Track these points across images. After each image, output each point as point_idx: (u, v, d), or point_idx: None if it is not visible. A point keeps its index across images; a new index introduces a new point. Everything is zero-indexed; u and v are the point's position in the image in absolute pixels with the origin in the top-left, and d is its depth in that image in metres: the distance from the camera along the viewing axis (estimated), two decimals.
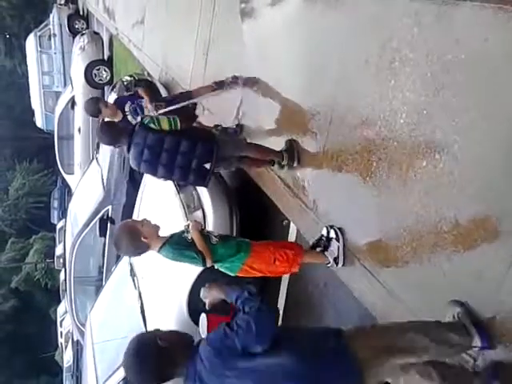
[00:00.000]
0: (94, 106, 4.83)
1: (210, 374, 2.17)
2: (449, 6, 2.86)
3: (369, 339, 2.37)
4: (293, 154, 4.36)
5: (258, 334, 2.14)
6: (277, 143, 4.56)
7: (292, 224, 4.81)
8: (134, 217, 6.61)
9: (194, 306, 5.33)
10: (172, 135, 4.00)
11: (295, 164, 4.36)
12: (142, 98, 5.11)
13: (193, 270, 5.20)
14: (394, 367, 2.36)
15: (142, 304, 5.83)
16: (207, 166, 4.03)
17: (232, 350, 2.15)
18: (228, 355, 2.16)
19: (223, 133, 4.98)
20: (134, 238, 3.33)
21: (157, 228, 3.49)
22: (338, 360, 2.23)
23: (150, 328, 5.59)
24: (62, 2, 19.48)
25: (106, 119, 4.90)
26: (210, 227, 5.25)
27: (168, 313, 5.49)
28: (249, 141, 4.81)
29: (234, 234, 5.28)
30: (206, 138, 4.17)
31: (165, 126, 4.01)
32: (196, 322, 5.44)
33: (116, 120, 4.91)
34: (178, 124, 4.02)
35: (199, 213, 5.36)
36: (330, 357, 2.23)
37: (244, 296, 2.33)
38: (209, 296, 2.84)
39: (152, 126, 4.01)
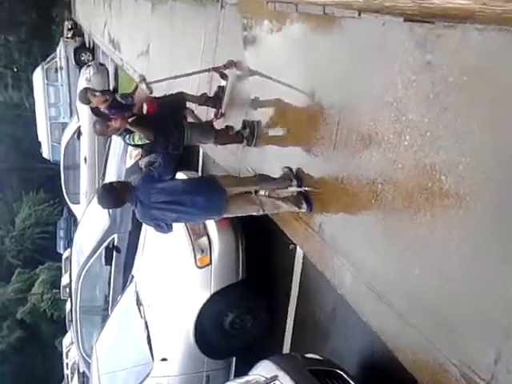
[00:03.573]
0: (85, 96, 5.20)
1: (142, 193, 4.09)
2: (449, 29, 2.90)
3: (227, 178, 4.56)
4: (252, 132, 5.19)
5: (166, 168, 4.17)
6: (279, 166, 4.57)
7: (298, 248, 4.78)
8: (140, 246, 6.61)
9: (201, 334, 5.28)
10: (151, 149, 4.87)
11: (254, 142, 5.19)
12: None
13: (199, 299, 5.17)
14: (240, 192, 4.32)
15: (148, 333, 5.77)
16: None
17: (153, 178, 4.16)
18: (151, 181, 4.15)
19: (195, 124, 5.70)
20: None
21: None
22: (211, 183, 4.26)
23: (157, 357, 5.53)
24: (69, 36, 19.86)
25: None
26: (215, 253, 5.24)
27: (175, 341, 5.43)
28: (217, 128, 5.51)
29: (240, 260, 5.27)
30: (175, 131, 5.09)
31: (137, 140, 5.07)
32: (203, 350, 5.38)
33: (106, 104, 5.09)
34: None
35: (205, 239, 5.35)
36: (207, 181, 4.46)
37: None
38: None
39: (128, 141, 5.17)
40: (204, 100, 5.95)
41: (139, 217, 4.26)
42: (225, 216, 4.46)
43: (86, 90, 5.31)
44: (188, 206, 4.11)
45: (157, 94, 5.53)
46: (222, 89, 5.85)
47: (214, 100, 5.91)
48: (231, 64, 5.65)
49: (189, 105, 5.87)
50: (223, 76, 5.78)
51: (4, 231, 31.39)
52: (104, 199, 4.17)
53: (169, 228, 4.31)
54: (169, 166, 4.26)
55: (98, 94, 5.12)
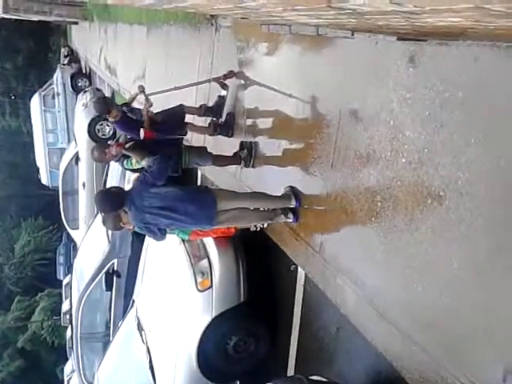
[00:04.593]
0: (103, 106, 5.33)
1: (136, 196, 4.19)
2: (443, 47, 2.92)
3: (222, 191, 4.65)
4: (250, 153, 5.26)
5: (159, 175, 4.27)
6: (278, 187, 4.57)
7: (300, 269, 4.75)
8: (140, 270, 6.57)
9: (204, 359, 5.21)
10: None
11: (252, 162, 5.25)
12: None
13: (201, 323, 5.11)
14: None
15: (150, 359, 5.70)
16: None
17: (148, 182, 4.27)
18: (145, 185, 4.27)
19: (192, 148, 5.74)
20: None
21: None
22: (204, 193, 4.44)
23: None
24: (66, 62, 20.05)
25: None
26: (216, 276, 5.19)
27: (177, 367, 5.35)
28: (214, 153, 5.57)
29: (242, 282, 5.22)
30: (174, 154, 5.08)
31: (134, 164, 5.08)
32: (206, 374, 5.30)
33: (117, 119, 5.26)
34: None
35: (205, 262, 5.31)
36: (201, 190, 4.69)
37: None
38: None
39: (126, 166, 5.20)
40: (204, 111, 5.98)
41: (132, 219, 4.28)
42: (216, 227, 4.59)
43: (104, 98, 5.40)
44: (180, 213, 4.19)
45: (156, 107, 5.55)
46: (222, 98, 5.88)
47: (215, 110, 5.93)
48: (231, 74, 5.69)
49: (189, 118, 5.91)
50: (224, 86, 5.82)
51: (3, 258, 31.27)
52: (102, 204, 4.32)
53: (161, 234, 4.37)
54: (162, 172, 4.31)
55: (115, 108, 5.27)
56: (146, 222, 4.25)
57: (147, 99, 5.34)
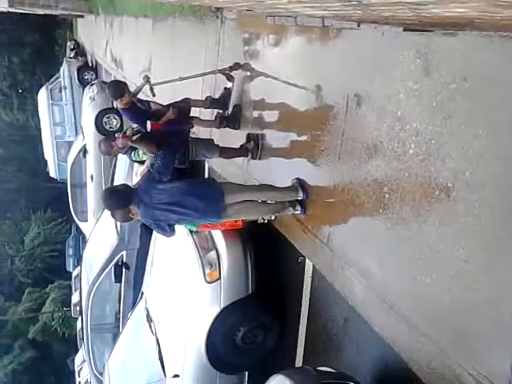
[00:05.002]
0: (117, 90, 5.21)
1: (144, 194, 4.20)
2: (449, 37, 2.90)
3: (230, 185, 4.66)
4: (257, 145, 5.27)
5: (164, 170, 4.25)
6: (285, 179, 4.57)
7: (307, 260, 4.76)
8: (149, 262, 6.61)
9: (213, 350, 5.25)
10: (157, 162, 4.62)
11: (258, 154, 5.26)
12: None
13: (209, 314, 5.15)
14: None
15: (159, 350, 5.75)
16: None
17: (154, 179, 4.25)
18: (152, 181, 4.26)
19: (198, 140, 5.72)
20: None
21: None
22: (211, 186, 4.45)
23: (169, 374, 5.50)
24: (72, 55, 20.07)
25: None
26: (224, 267, 5.22)
27: (186, 358, 5.40)
28: (221, 145, 5.55)
29: (250, 274, 5.25)
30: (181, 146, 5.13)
31: (141, 156, 5.20)
32: (215, 365, 5.35)
33: (127, 106, 5.21)
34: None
35: (213, 253, 5.34)
36: (207, 184, 4.69)
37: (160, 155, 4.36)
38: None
39: (133, 158, 5.33)
40: (209, 103, 5.96)
41: (141, 216, 4.31)
42: (225, 220, 4.62)
43: (117, 81, 5.47)
44: (188, 208, 4.21)
45: (161, 99, 5.55)
46: (228, 90, 5.86)
47: (221, 102, 5.92)
48: (237, 66, 5.67)
49: (195, 112, 5.89)
50: (229, 78, 5.80)
51: (14, 251, 31.54)
52: (109, 201, 4.32)
53: (171, 230, 4.39)
54: (167, 167, 4.31)
55: (127, 96, 5.20)
56: (155, 218, 4.27)
57: (152, 89, 5.35)
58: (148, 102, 5.45)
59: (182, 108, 5.61)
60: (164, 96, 5.63)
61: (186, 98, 5.76)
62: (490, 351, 2.73)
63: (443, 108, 2.96)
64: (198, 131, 6.35)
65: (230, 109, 5.87)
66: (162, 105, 5.44)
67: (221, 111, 5.93)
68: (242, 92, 5.73)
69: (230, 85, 5.85)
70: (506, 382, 2.59)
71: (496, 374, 2.66)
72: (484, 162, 2.74)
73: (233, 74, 5.75)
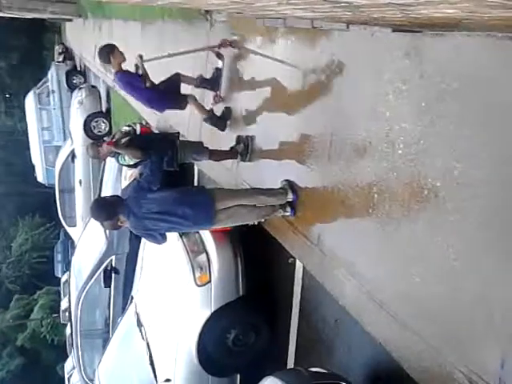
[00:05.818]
0: (106, 54, 5.42)
1: (134, 205, 4.13)
2: (438, 38, 2.93)
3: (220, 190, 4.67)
4: (247, 147, 5.25)
5: (153, 178, 4.22)
6: (275, 181, 4.58)
7: (298, 261, 4.76)
8: (139, 266, 6.58)
9: (204, 353, 5.23)
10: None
11: (248, 157, 5.25)
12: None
13: (200, 317, 5.13)
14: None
15: (150, 354, 5.71)
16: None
17: (143, 188, 4.21)
18: (141, 191, 4.21)
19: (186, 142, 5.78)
20: None
21: None
22: (200, 193, 4.44)
23: (160, 379, 5.47)
24: (60, 59, 19.95)
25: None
26: (214, 270, 5.21)
27: (178, 361, 5.37)
28: (210, 147, 5.53)
29: (240, 276, 5.24)
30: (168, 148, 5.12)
31: (128, 160, 5.16)
32: (207, 368, 5.33)
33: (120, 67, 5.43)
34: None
35: (203, 256, 5.32)
36: (197, 192, 4.66)
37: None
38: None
39: (121, 162, 5.28)
40: (200, 81, 5.90)
41: (132, 228, 4.31)
42: (217, 227, 4.57)
43: (104, 46, 5.51)
44: (179, 216, 4.18)
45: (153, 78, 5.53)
46: (219, 70, 5.83)
47: (212, 82, 5.89)
48: (226, 43, 5.64)
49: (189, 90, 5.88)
50: (219, 56, 5.77)
51: (1, 257, 31.20)
52: (97, 212, 4.30)
53: (162, 238, 4.36)
54: (155, 175, 4.29)
55: (119, 54, 5.38)
56: (147, 228, 4.24)
57: (143, 66, 5.40)
58: (139, 74, 5.48)
59: (173, 82, 5.62)
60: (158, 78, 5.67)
61: (177, 73, 5.74)
62: (481, 348, 2.75)
63: (432, 108, 2.99)
64: (187, 134, 6.34)
65: (220, 110, 5.85)
66: (154, 82, 5.48)
67: (213, 92, 5.92)
68: (232, 72, 5.70)
69: (220, 64, 5.79)
70: (497, 379, 2.61)
71: (486, 370, 2.68)
72: (472, 162, 2.77)
73: (222, 52, 5.72)
